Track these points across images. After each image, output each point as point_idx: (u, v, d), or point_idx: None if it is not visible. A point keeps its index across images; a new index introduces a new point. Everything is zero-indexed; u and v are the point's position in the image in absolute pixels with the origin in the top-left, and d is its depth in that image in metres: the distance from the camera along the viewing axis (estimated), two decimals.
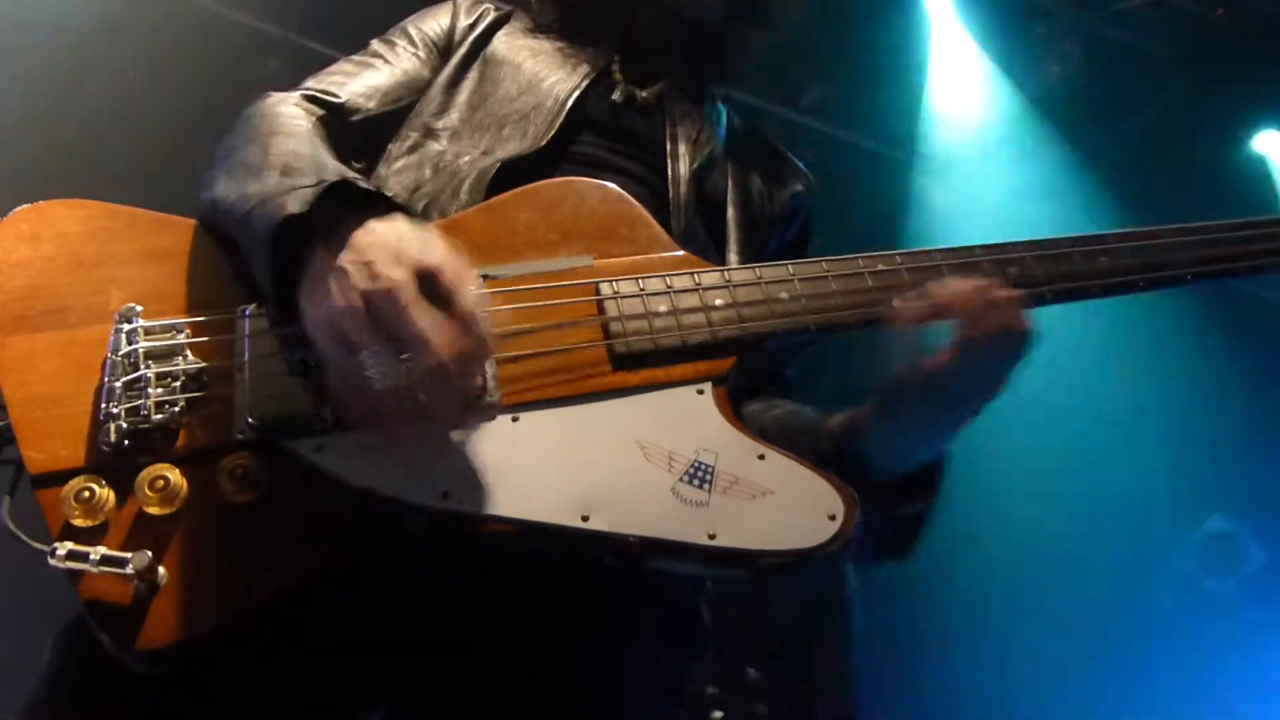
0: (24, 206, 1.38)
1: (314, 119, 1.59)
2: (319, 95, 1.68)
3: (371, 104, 1.73)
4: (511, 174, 1.59)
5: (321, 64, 1.80)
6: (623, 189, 1.54)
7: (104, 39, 4.48)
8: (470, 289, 1.21)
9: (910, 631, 5.51)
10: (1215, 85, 5.44)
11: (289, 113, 1.56)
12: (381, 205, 1.27)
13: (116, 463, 1.22)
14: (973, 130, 5.73)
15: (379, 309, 1.16)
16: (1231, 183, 5.69)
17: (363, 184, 1.30)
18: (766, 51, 2.03)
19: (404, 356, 1.16)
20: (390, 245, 1.20)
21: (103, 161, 4.14)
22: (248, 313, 1.34)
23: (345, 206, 1.26)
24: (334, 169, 1.35)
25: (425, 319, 1.16)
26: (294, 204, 1.26)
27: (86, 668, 1.27)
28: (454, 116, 1.73)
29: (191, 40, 4.57)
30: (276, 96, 1.62)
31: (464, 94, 1.76)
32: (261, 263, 1.28)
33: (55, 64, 4.36)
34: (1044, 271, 1.48)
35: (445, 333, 1.16)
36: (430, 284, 1.19)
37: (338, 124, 1.66)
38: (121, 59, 4.55)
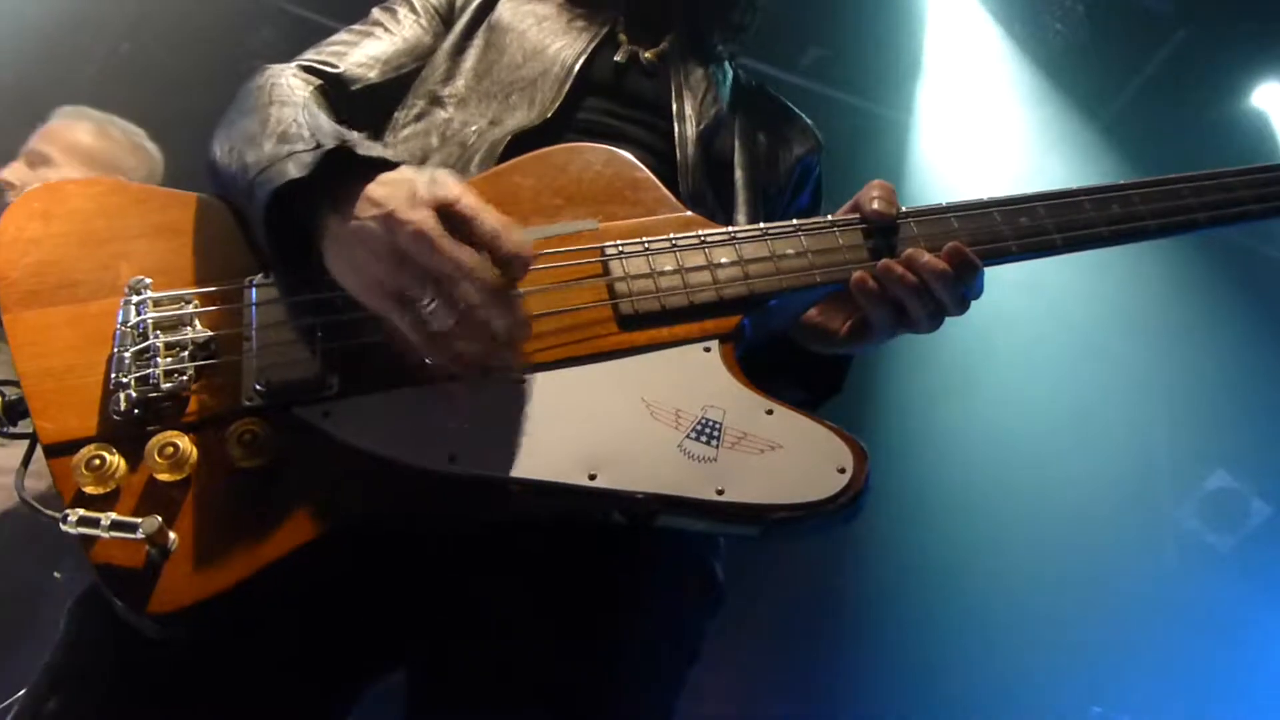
0: (37, 185, 1.40)
1: (311, 88, 1.59)
2: (316, 66, 1.67)
3: (373, 73, 1.72)
4: (521, 147, 1.58)
5: (315, 32, 1.79)
6: (629, 153, 1.53)
7: (97, 10, 4.45)
8: (490, 210, 1.23)
9: (909, 595, 5.54)
10: (1216, 40, 5.40)
11: (286, 83, 1.55)
12: (383, 164, 1.28)
13: (127, 431, 1.23)
14: (972, 88, 5.70)
15: (411, 254, 1.18)
16: (1232, 137, 5.66)
17: (361, 150, 1.29)
18: (764, 13, 2.00)
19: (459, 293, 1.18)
20: (404, 190, 1.21)
21: None
22: (255, 283, 1.35)
23: (347, 168, 1.26)
24: (331, 132, 1.34)
25: (457, 247, 1.18)
26: (294, 168, 1.26)
27: (104, 632, 1.28)
28: (460, 84, 1.72)
29: (183, 9, 4.54)
30: (273, 69, 1.61)
31: (469, 61, 1.75)
32: (267, 230, 1.28)
33: (48, 38, 4.33)
34: (1054, 220, 1.48)
35: (480, 256, 1.18)
36: (452, 218, 1.20)
37: (337, 94, 1.65)
38: (115, 31, 4.52)
